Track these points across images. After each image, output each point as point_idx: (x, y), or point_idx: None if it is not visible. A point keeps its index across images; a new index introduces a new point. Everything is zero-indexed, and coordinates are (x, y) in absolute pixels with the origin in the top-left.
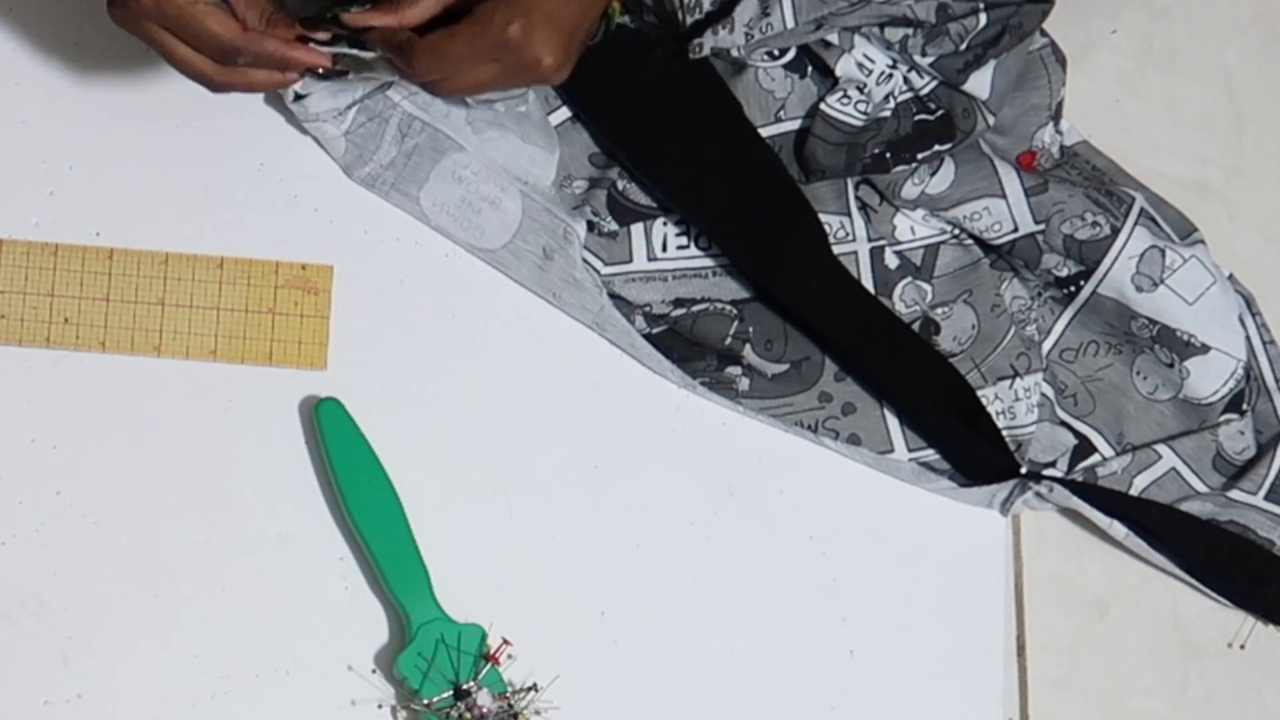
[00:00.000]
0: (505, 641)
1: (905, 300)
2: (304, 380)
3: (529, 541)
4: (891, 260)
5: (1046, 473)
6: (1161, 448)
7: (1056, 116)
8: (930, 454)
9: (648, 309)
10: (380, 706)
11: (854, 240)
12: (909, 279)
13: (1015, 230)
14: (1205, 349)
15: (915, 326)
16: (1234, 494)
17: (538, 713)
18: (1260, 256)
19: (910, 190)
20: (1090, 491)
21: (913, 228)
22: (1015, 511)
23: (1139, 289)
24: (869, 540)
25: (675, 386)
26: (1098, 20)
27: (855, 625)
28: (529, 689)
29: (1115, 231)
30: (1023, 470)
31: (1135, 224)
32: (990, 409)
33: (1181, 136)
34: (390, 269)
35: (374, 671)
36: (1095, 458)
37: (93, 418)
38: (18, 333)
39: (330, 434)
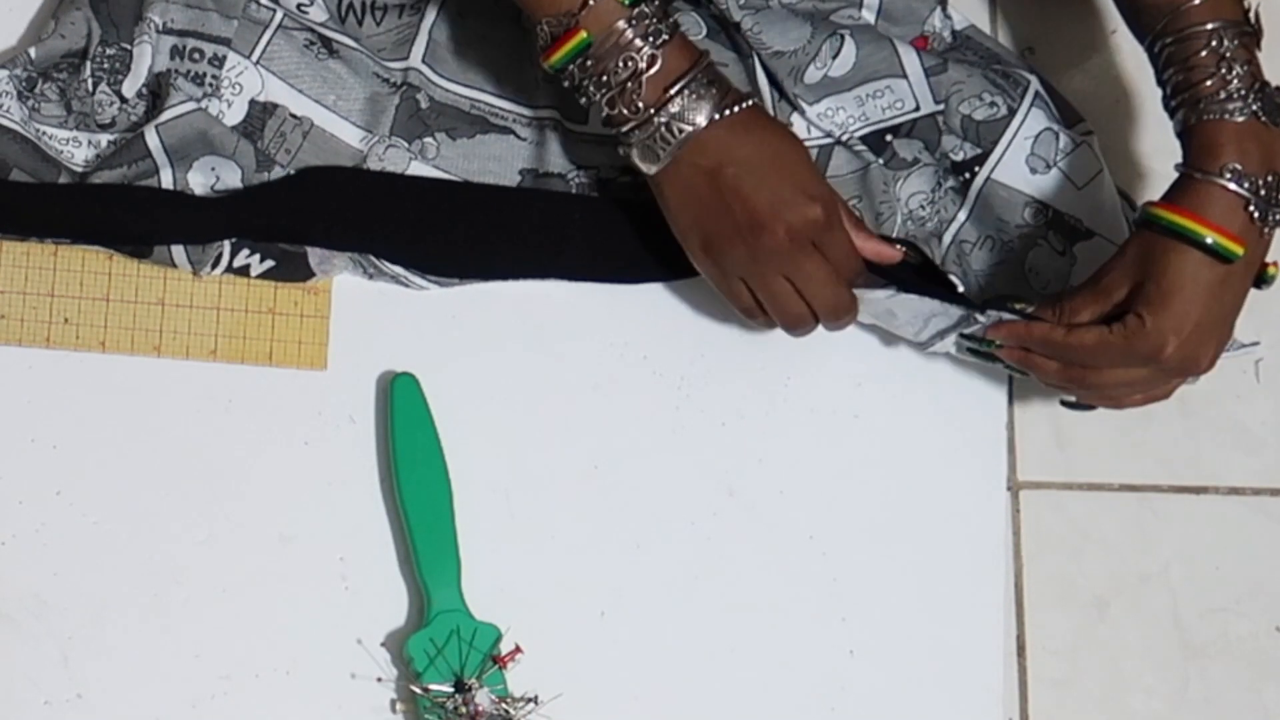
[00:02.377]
0: (517, 648)
1: None
2: (304, 380)
3: (529, 541)
4: None
5: None
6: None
7: (943, 1)
8: None
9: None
10: (380, 680)
11: None
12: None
13: (917, 109)
14: (1090, 234)
15: None
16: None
17: None
18: None
19: (813, 74)
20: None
21: (808, 128)
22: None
23: (1033, 170)
24: (869, 541)
25: (675, 387)
26: (1098, 20)
27: (855, 625)
28: (529, 700)
29: (1012, 112)
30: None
31: (1031, 105)
32: None
33: None
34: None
35: (374, 669)
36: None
37: (93, 418)
38: (18, 333)
39: (400, 407)
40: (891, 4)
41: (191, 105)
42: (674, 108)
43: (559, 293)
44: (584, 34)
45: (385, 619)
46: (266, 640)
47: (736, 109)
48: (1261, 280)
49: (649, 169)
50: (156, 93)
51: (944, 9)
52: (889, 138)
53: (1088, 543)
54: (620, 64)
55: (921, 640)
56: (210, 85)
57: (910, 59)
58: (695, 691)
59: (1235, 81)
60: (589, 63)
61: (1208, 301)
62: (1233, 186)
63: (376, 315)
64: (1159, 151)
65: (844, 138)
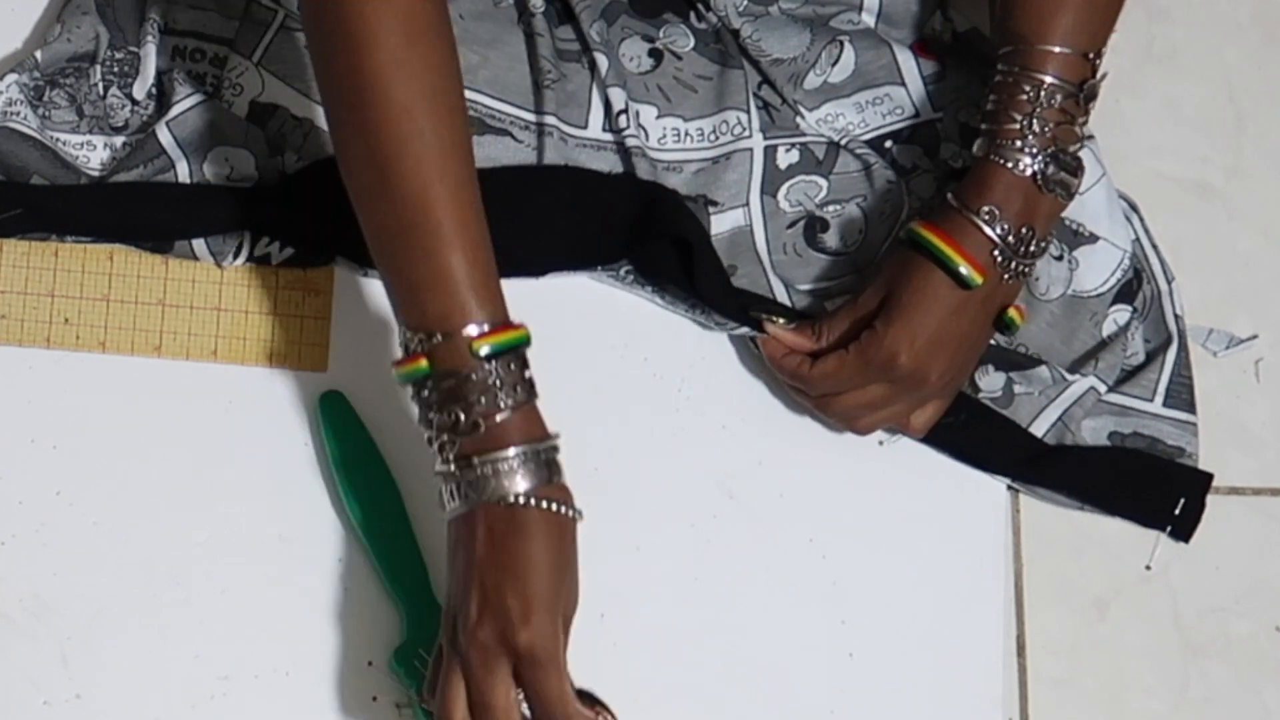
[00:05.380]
0: None
1: (790, 200)
2: (305, 381)
3: None
4: (784, 159)
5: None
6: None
7: (943, 4)
8: None
9: None
10: (375, 699)
11: (750, 136)
12: (801, 177)
13: (916, 116)
14: (1094, 238)
15: (799, 225)
16: (1129, 402)
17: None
18: (1260, 256)
19: (812, 80)
20: (976, 443)
21: (817, 130)
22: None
23: None
24: (869, 543)
25: (675, 389)
26: None
27: (855, 628)
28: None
29: None
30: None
31: None
32: None
33: (1181, 136)
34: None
35: (370, 664)
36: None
37: (93, 418)
38: (18, 333)
39: (332, 426)
40: (891, 7)
41: (199, 97)
42: (484, 471)
43: (559, 294)
44: (423, 363)
45: (384, 621)
46: (266, 641)
47: (557, 506)
48: (1003, 324)
49: (443, 507)
50: (163, 91)
51: (944, 12)
52: (889, 144)
53: (1088, 543)
54: (445, 413)
55: (921, 641)
56: (211, 86)
57: (909, 67)
58: (695, 693)
59: (1032, 138)
60: (424, 393)
61: (944, 319)
62: (985, 229)
63: (376, 317)
64: (1159, 152)
65: (845, 143)
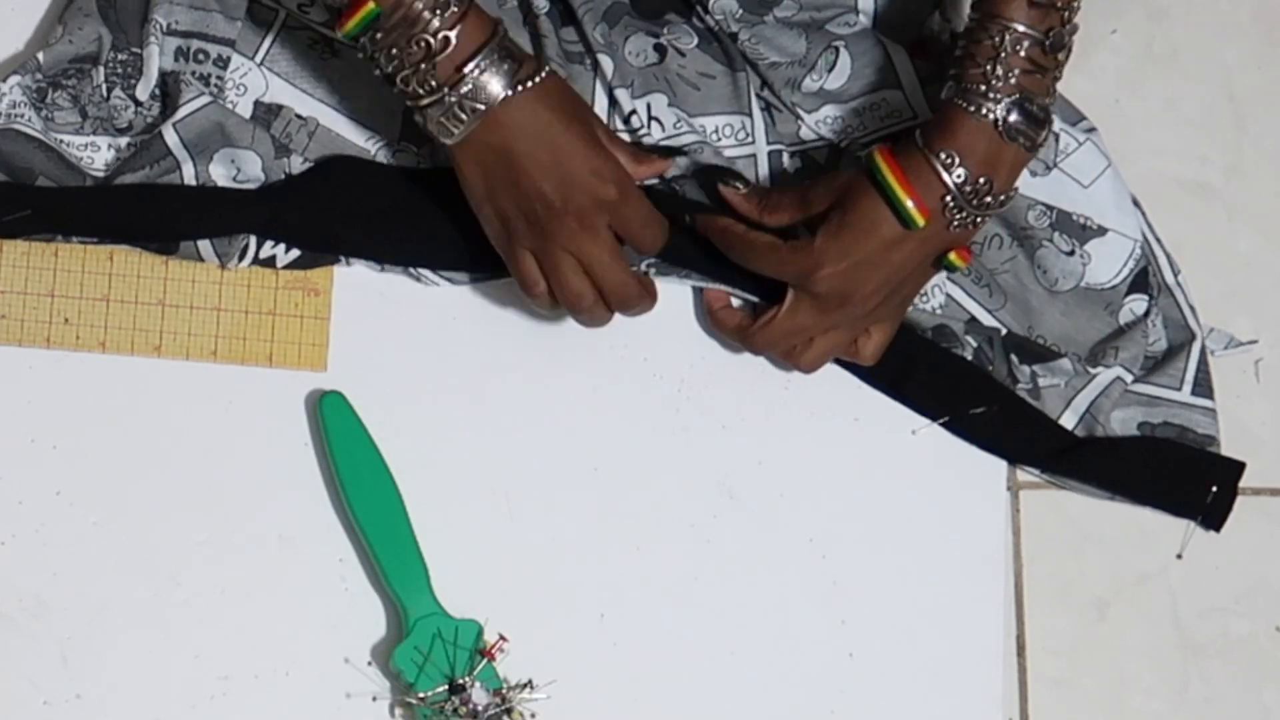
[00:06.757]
0: (502, 637)
1: None
2: (304, 381)
3: (528, 543)
4: (790, 165)
5: (974, 411)
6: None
7: (940, 5)
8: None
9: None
10: (375, 699)
11: (753, 142)
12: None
13: (914, 117)
14: (1102, 231)
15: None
16: (1158, 391)
17: (533, 716)
18: (1260, 256)
19: (810, 84)
20: (1008, 434)
21: (816, 132)
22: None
23: (1033, 173)
24: (869, 543)
25: (675, 389)
26: (1098, 20)
27: (855, 628)
28: (524, 685)
29: None
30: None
31: None
32: None
33: (1181, 136)
34: (390, 270)
35: (370, 664)
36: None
37: (93, 418)
38: (18, 333)
39: (333, 427)
40: (887, 9)
41: (206, 99)
42: (465, 86)
43: None
44: (372, 5)
45: (384, 621)
46: (266, 641)
47: (531, 82)
48: (943, 265)
49: (444, 141)
50: (168, 92)
51: (941, 12)
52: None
53: (1088, 543)
54: (413, 45)
55: (921, 641)
56: (215, 87)
57: (905, 69)
58: (695, 694)
59: (996, 83)
60: (379, 35)
61: (876, 249)
62: (942, 173)
63: (376, 317)
64: (1159, 152)
65: (844, 144)
